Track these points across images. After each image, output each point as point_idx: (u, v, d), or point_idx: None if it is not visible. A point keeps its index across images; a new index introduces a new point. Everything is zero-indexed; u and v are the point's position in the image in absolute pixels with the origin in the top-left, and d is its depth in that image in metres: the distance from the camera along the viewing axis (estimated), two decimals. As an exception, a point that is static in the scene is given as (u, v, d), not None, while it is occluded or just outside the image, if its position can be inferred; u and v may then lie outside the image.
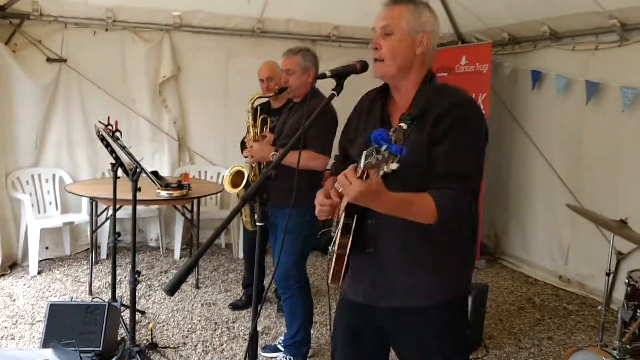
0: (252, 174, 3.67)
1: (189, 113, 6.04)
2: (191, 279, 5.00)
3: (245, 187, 3.58)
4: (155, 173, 3.31)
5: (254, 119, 3.75)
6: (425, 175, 1.82)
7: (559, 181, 5.32)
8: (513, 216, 6.03)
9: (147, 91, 5.78)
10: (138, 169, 3.05)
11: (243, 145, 4.48)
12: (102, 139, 3.53)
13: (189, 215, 5.39)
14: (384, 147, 1.44)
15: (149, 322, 4.00)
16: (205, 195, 4.97)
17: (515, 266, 5.88)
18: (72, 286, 4.80)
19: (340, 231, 1.93)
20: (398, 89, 1.99)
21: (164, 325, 4.12)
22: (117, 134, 3.07)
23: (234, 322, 4.24)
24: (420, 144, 1.84)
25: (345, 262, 1.96)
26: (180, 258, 5.65)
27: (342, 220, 1.94)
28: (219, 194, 5.77)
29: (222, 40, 5.95)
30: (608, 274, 3.28)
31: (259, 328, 4.11)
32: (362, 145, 2.04)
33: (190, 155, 6.11)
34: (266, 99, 4.29)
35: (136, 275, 3.16)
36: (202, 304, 4.55)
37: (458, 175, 1.79)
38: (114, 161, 3.66)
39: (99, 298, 4.24)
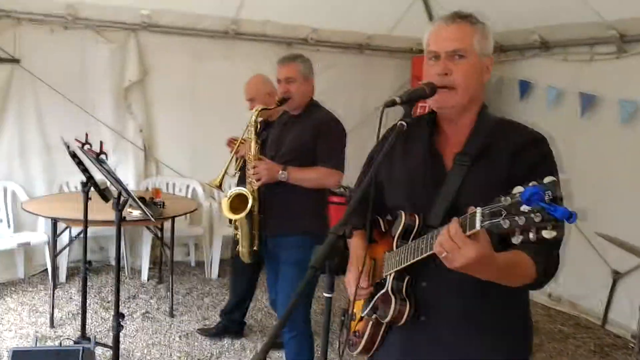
0: (253, 198, 3.21)
1: (156, 120, 5.51)
2: (164, 306, 4.55)
3: (248, 214, 3.10)
4: (142, 200, 2.88)
5: (257, 135, 3.19)
6: None
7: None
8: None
9: (111, 96, 5.25)
10: (124, 197, 2.61)
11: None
12: (74, 156, 3.07)
13: (159, 234, 4.91)
14: (536, 209, 1.09)
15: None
16: (181, 215, 4.51)
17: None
18: (29, 317, 4.22)
19: (385, 294, 1.63)
20: (454, 122, 1.66)
21: (140, 364, 3.68)
22: (103, 156, 2.62)
23: (218, 358, 3.83)
24: (490, 186, 1.48)
25: (383, 332, 1.69)
26: (148, 280, 5.13)
27: (390, 282, 1.62)
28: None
29: (192, 42, 5.44)
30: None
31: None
32: (408, 187, 1.71)
33: (157, 166, 5.61)
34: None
35: (120, 320, 2.70)
36: (179, 336, 4.09)
37: None
38: (84, 179, 3.22)
39: (70, 339, 3.61)
